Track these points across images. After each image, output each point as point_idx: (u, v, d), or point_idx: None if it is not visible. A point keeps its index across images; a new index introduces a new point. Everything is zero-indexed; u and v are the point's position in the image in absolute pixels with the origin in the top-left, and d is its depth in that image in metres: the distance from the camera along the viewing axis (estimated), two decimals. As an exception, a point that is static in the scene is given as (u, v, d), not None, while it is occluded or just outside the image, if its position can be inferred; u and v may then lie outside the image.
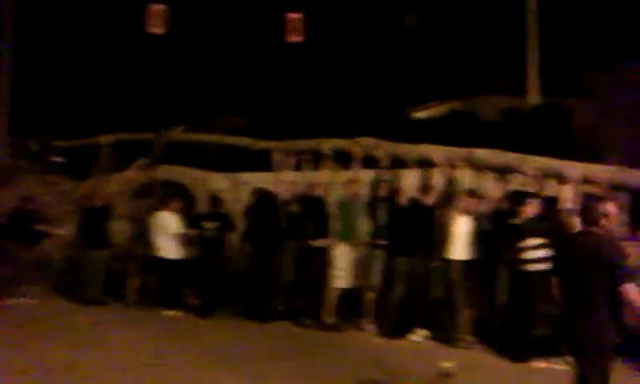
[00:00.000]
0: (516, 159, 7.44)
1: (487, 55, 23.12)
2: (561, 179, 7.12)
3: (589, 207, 4.39)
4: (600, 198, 4.89)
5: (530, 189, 7.26)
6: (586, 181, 6.88)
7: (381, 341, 7.56)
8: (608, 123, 22.89)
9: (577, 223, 6.58)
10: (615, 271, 3.99)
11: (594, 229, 4.25)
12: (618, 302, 4.01)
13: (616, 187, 6.87)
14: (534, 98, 18.00)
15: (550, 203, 6.93)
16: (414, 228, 7.64)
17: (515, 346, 6.74)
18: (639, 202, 7.21)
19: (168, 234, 8.97)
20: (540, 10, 18.61)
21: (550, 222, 6.80)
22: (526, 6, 18.40)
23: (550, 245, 6.62)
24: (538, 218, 6.85)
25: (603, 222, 4.25)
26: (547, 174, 7.20)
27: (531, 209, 6.81)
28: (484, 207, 7.48)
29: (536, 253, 6.65)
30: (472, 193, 7.51)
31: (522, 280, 6.69)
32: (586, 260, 4.13)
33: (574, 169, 6.94)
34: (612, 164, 7.34)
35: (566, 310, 4.32)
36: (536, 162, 7.31)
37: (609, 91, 23.76)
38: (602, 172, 6.91)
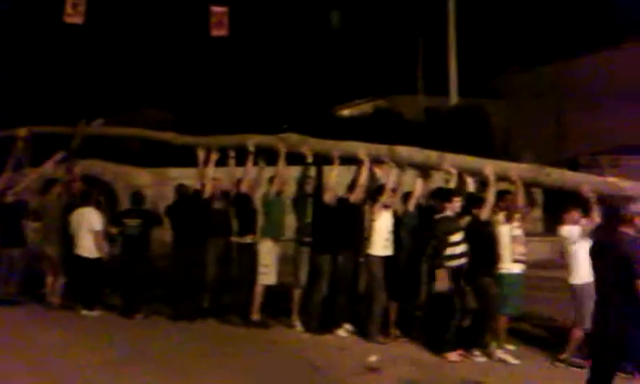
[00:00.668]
0: (436, 156, 7.66)
1: (410, 55, 23.65)
2: (477, 176, 7.38)
3: (617, 208, 4.73)
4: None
5: (451, 186, 7.49)
6: (502, 178, 7.16)
7: (307, 337, 7.62)
8: (521, 123, 24.01)
9: (495, 217, 6.95)
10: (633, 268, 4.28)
11: (625, 229, 4.54)
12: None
13: (529, 184, 7.18)
14: (453, 98, 18.61)
15: (469, 199, 7.18)
16: (338, 225, 7.73)
17: (437, 338, 6.95)
18: (552, 198, 7.58)
19: (88, 231, 8.67)
20: (458, 13, 19.23)
21: (469, 218, 7.05)
22: (447, 8, 18.97)
23: (467, 240, 6.91)
24: (459, 215, 7.08)
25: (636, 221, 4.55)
26: (465, 171, 7.44)
27: (452, 205, 7.02)
28: (408, 204, 7.65)
29: (457, 248, 6.88)
30: (395, 189, 7.67)
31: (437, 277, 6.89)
32: (607, 259, 4.45)
33: (489, 166, 7.22)
34: (525, 162, 7.68)
35: (600, 306, 4.60)
36: (455, 160, 7.55)
37: (521, 93, 24.91)
38: (516, 169, 7.21)
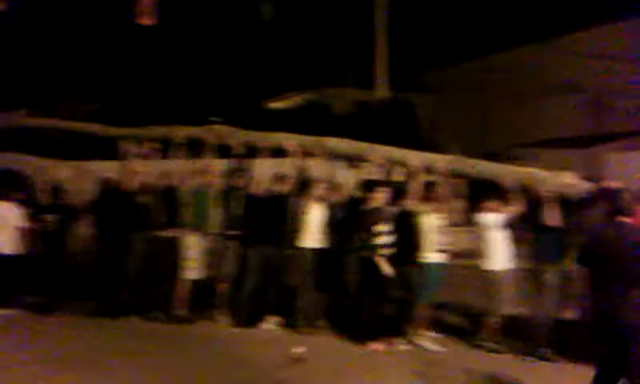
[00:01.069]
0: (364, 148, 7.72)
1: (340, 49, 23.79)
2: (405, 167, 7.50)
3: (619, 197, 4.62)
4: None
5: (379, 177, 7.57)
6: (428, 169, 7.30)
7: (234, 331, 7.52)
8: (448, 116, 24.61)
9: (421, 208, 7.06)
10: None
11: (623, 218, 4.51)
12: None
13: (454, 175, 7.35)
14: (382, 91, 18.86)
15: (396, 190, 7.27)
16: (268, 217, 7.67)
17: (363, 329, 7.00)
18: (476, 189, 7.77)
19: (5, 227, 8.24)
20: (389, 8, 19.47)
21: (397, 209, 7.14)
22: (375, 3, 19.18)
23: (395, 231, 7.00)
24: (387, 205, 7.16)
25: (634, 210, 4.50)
26: (393, 163, 7.54)
27: (381, 196, 7.09)
28: (337, 195, 7.68)
29: (384, 239, 6.95)
30: (325, 181, 7.68)
31: (372, 265, 6.95)
32: (623, 249, 4.37)
33: (416, 158, 7.34)
34: (451, 154, 7.84)
35: (600, 296, 4.48)
36: (383, 151, 7.64)
37: (448, 87, 25.55)
38: (442, 161, 7.37)
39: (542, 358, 6.47)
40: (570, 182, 6.74)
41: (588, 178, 6.89)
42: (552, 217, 6.46)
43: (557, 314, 6.66)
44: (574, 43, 23.16)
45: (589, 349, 6.16)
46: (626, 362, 4.43)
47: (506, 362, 6.51)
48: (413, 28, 23.99)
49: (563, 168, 7.12)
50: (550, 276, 6.51)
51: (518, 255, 6.89)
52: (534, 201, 6.67)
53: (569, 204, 6.63)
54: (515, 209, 6.65)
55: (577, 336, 6.38)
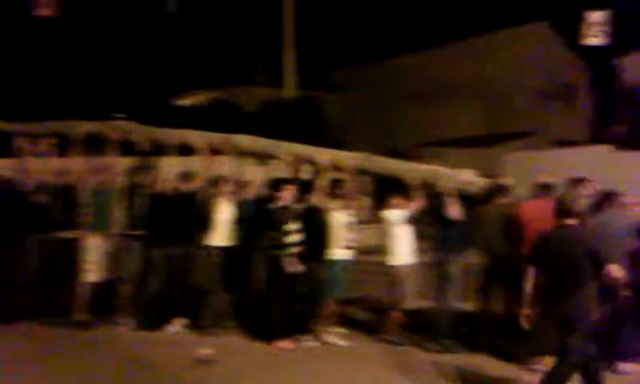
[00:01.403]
0: (272, 145, 7.70)
1: (249, 48, 23.67)
2: (312, 165, 7.54)
3: (565, 201, 4.95)
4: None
5: (287, 174, 7.57)
6: (335, 167, 7.37)
7: (138, 334, 7.27)
8: (355, 115, 25.06)
9: (329, 204, 7.12)
10: (599, 258, 4.64)
11: (570, 221, 4.83)
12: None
13: (361, 172, 7.47)
14: (290, 90, 18.92)
15: (303, 187, 7.30)
16: (173, 216, 7.46)
17: (270, 327, 6.96)
18: (381, 186, 7.94)
19: None
20: (298, 8, 19.55)
21: (305, 206, 7.16)
22: (283, 3, 19.20)
23: (303, 228, 7.01)
24: (295, 203, 7.15)
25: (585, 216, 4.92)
26: (301, 160, 7.57)
27: (288, 194, 7.07)
28: (246, 193, 7.60)
29: (292, 237, 6.95)
30: (234, 179, 7.58)
31: (279, 263, 6.92)
32: (571, 250, 4.72)
33: (324, 155, 7.40)
34: (358, 151, 7.96)
35: (552, 292, 4.82)
36: (290, 148, 7.64)
37: (356, 87, 26.02)
38: (349, 158, 7.46)
39: (447, 350, 6.68)
40: (469, 178, 7.02)
41: (486, 176, 7.20)
42: (453, 211, 6.69)
43: (459, 305, 6.90)
44: (474, 47, 24.25)
45: (489, 340, 6.51)
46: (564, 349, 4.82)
47: (410, 355, 6.68)
48: (321, 29, 24.23)
49: (463, 166, 7.40)
50: (453, 268, 6.74)
51: (422, 249, 7.09)
52: (436, 196, 6.89)
53: (468, 199, 6.91)
54: (418, 204, 6.83)
55: (478, 327, 6.68)
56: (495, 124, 24.40)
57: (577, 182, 6.67)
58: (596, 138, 23.12)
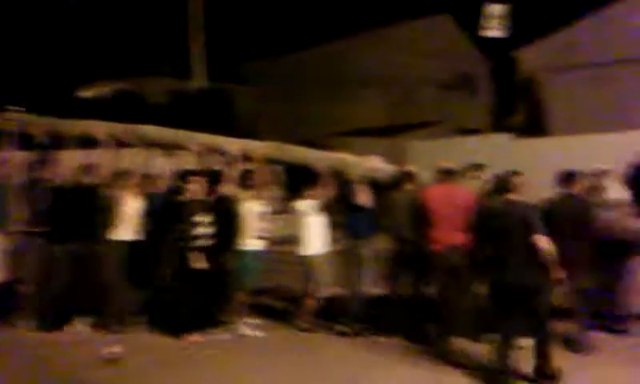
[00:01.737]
0: (180, 136, 7.54)
1: (155, 38, 23.01)
2: (222, 155, 7.45)
3: (506, 179, 5.48)
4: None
5: (196, 166, 7.44)
6: (246, 157, 7.32)
7: (40, 336, 6.92)
8: (268, 107, 24.97)
9: (241, 195, 7.04)
10: (532, 227, 5.11)
11: (511, 196, 5.36)
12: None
13: (271, 161, 7.44)
14: (199, 81, 18.59)
15: (215, 178, 7.20)
16: (75, 211, 7.15)
17: (180, 322, 6.83)
18: (293, 176, 7.96)
19: None
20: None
21: (215, 197, 7.06)
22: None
23: (214, 219, 6.91)
24: (204, 194, 7.04)
25: (522, 190, 5.40)
26: (210, 150, 7.45)
27: (198, 186, 6.95)
28: (154, 185, 7.40)
29: (203, 229, 6.84)
30: (142, 171, 7.36)
31: (188, 256, 6.80)
32: (513, 222, 5.20)
33: (233, 145, 7.32)
34: (270, 141, 7.92)
35: (501, 266, 5.28)
36: (199, 138, 7.51)
37: (267, 79, 25.92)
38: (259, 148, 7.42)
39: (359, 334, 6.81)
40: (377, 166, 7.17)
41: (394, 163, 7.37)
42: (362, 198, 6.82)
43: (370, 290, 7.05)
44: (380, 39, 24.74)
45: (400, 323, 6.69)
46: (531, 320, 5.29)
47: (323, 341, 6.77)
48: (232, 21, 23.94)
49: (371, 155, 7.53)
50: (363, 254, 6.87)
51: (334, 237, 7.17)
52: (345, 184, 6.99)
53: (376, 186, 7.06)
54: (328, 192, 6.90)
55: (388, 311, 6.85)
56: (401, 114, 25.05)
57: (476, 167, 7.01)
58: (496, 127, 24.24)
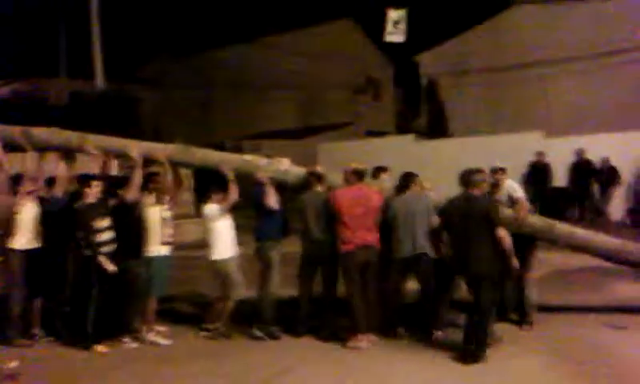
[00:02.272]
0: (77, 138, 7.18)
1: (53, 38, 21.95)
2: (124, 158, 7.16)
3: (470, 175, 5.89)
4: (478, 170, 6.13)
5: (97, 169, 7.11)
6: (149, 160, 7.07)
7: None
8: (172, 110, 24.43)
9: (144, 199, 6.79)
10: (492, 220, 5.59)
11: (474, 191, 5.80)
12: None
13: (176, 164, 7.25)
14: (100, 83, 17.90)
15: (114, 182, 6.92)
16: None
17: (85, 332, 6.51)
18: (202, 178, 7.79)
19: None
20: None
21: (117, 201, 6.79)
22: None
23: (117, 225, 6.63)
24: (105, 199, 6.75)
25: (483, 186, 5.87)
26: (110, 153, 7.15)
27: (98, 190, 6.66)
28: (52, 190, 6.99)
29: (103, 235, 6.55)
30: (37, 175, 6.96)
31: (91, 264, 6.50)
32: (474, 215, 5.65)
33: (135, 147, 7.06)
34: (175, 143, 7.69)
35: (462, 253, 5.78)
36: (98, 141, 7.19)
37: (173, 80, 25.35)
38: (163, 150, 7.20)
39: (271, 336, 6.75)
40: (286, 168, 7.15)
41: (304, 165, 7.36)
42: (272, 201, 6.77)
43: (281, 292, 7.02)
44: (287, 42, 24.83)
45: (313, 324, 6.71)
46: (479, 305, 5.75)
47: (235, 346, 6.66)
48: (135, 20, 23.22)
49: (282, 156, 7.49)
50: (274, 256, 6.82)
51: (243, 240, 7.08)
52: (254, 187, 6.91)
53: (285, 188, 7.04)
54: (236, 195, 6.79)
55: (300, 311, 6.84)
56: (310, 117, 25.28)
57: (380, 168, 7.16)
58: (401, 129, 24.96)
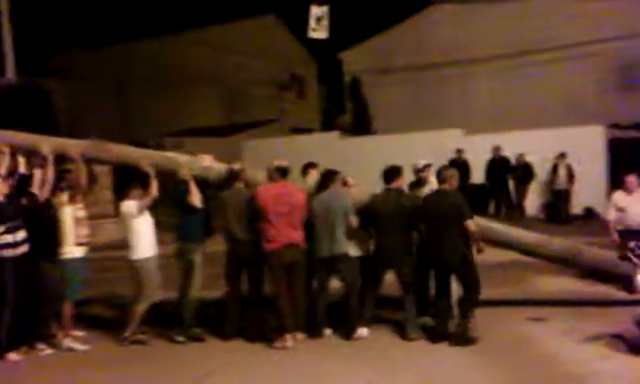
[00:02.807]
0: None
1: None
2: (34, 155, 6.73)
3: (443, 172, 6.36)
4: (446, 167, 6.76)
5: (4, 167, 6.66)
6: (61, 156, 6.70)
7: None
8: (88, 104, 23.50)
9: (57, 199, 6.41)
10: (464, 214, 6.05)
11: (445, 186, 6.25)
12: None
13: (91, 161, 6.91)
14: (11, 75, 16.95)
15: (24, 181, 6.52)
16: None
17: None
18: (123, 176, 7.46)
19: None
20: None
21: (27, 201, 6.39)
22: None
23: (27, 226, 6.23)
24: (13, 199, 6.33)
25: (453, 182, 6.27)
26: (19, 150, 6.72)
27: (4, 189, 6.25)
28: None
29: (12, 236, 6.15)
30: None
31: (2, 266, 6.08)
32: (446, 208, 6.10)
33: (45, 143, 6.67)
34: (90, 139, 7.35)
35: (434, 242, 6.19)
36: (6, 137, 6.75)
37: (88, 73, 24.37)
38: (75, 147, 6.84)
39: (194, 338, 6.55)
40: (209, 165, 6.96)
41: (224, 162, 7.18)
42: (194, 199, 6.55)
43: (204, 293, 6.83)
44: (209, 36, 24.38)
45: (238, 325, 6.55)
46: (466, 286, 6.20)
47: (155, 350, 6.43)
48: (44, 9, 22.19)
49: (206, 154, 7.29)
50: (197, 256, 6.61)
51: (164, 240, 6.84)
52: (176, 184, 6.67)
53: (208, 185, 6.84)
54: (156, 193, 6.53)
55: (225, 312, 6.67)
56: (234, 114, 24.95)
57: (310, 165, 7.10)
58: (326, 126, 25.09)
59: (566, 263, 6.83)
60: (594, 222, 12.75)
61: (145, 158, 6.87)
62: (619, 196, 8.00)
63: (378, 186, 6.69)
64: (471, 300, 6.19)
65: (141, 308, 6.51)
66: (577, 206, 14.12)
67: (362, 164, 12.40)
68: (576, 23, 17.47)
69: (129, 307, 6.70)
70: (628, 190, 7.92)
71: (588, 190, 13.82)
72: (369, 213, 6.51)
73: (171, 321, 6.73)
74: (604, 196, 14.02)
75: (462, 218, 6.08)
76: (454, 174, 6.41)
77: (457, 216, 6.10)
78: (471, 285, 6.18)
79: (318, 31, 10.67)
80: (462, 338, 6.08)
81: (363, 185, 6.99)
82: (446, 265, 6.21)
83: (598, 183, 14.00)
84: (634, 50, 17.02)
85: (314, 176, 7.01)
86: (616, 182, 14.07)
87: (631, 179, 7.93)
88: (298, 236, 6.37)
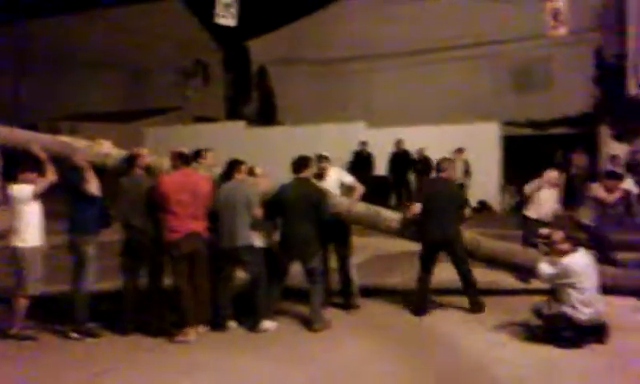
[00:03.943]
0: None
1: None
2: None
3: (442, 163, 7.09)
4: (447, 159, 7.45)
5: None
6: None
7: None
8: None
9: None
10: (461, 200, 7.20)
11: (443, 175, 7.03)
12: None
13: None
14: None
15: None
16: None
17: None
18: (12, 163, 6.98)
19: None
20: None
21: None
22: None
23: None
24: None
25: (450, 171, 7.15)
26: None
27: None
28: None
29: None
30: None
31: None
32: (450, 195, 6.94)
33: None
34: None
35: (432, 222, 6.72)
36: None
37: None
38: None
39: (88, 334, 6.21)
40: (107, 151, 6.63)
41: (123, 149, 6.87)
42: (91, 186, 6.20)
43: (98, 286, 6.49)
44: (116, 18, 23.30)
45: (135, 317, 6.28)
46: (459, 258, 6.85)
47: (45, 347, 6.06)
48: None
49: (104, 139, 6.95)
50: (90, 247, 6.25)
51: (55, 229, 6.43)
52: (71, 170, 6.28)
53: (105, 172, 6.51)
54: (49, 179, 6.12)
55: (122, 306, 6.37)
56: (136, 99, 24.02)
57: (199, 152, 6.84)
58: (231, 115, 24.67)
59: (470, 256, 7.08)
60: (487, 214, 13.34)
61: (35, 141, 6.42)
62: (542, 188, 8.23)
63: (284, 177, 6.62)
64: (469, 272, 6.85)
65: (24, 301, 6.06)
66: (471, 199, 14.70)
67: (268, 154, 12.30)
68: (479, 23, 18.09)
69: (12, 300, 6.23)
70: (552, 185, 8.30)
71: (482, 183, 14.41)
72: (277, 202, 6.43)
73: (64, 316, 6.35)
74: (497, 190, 14.81)
75: (463, 204, 7.08)
76: (450, 165, 7.27)
77: (458, 202, 6.99)
78: (462, 258, 6.84)
79: (226, 18, 10.39)
80: (478, 305, 6.79)
81: (270, 175, 6.90)
82: (449, 240, 6.75)
83: (492, 177, 14.67)
84: (533, 52, 17.85)
85: (208, 163, 6.83)
86: (508, 176, 15.01)
87: (555, 175, 8.33)
88: (200, 226, 6.19)
